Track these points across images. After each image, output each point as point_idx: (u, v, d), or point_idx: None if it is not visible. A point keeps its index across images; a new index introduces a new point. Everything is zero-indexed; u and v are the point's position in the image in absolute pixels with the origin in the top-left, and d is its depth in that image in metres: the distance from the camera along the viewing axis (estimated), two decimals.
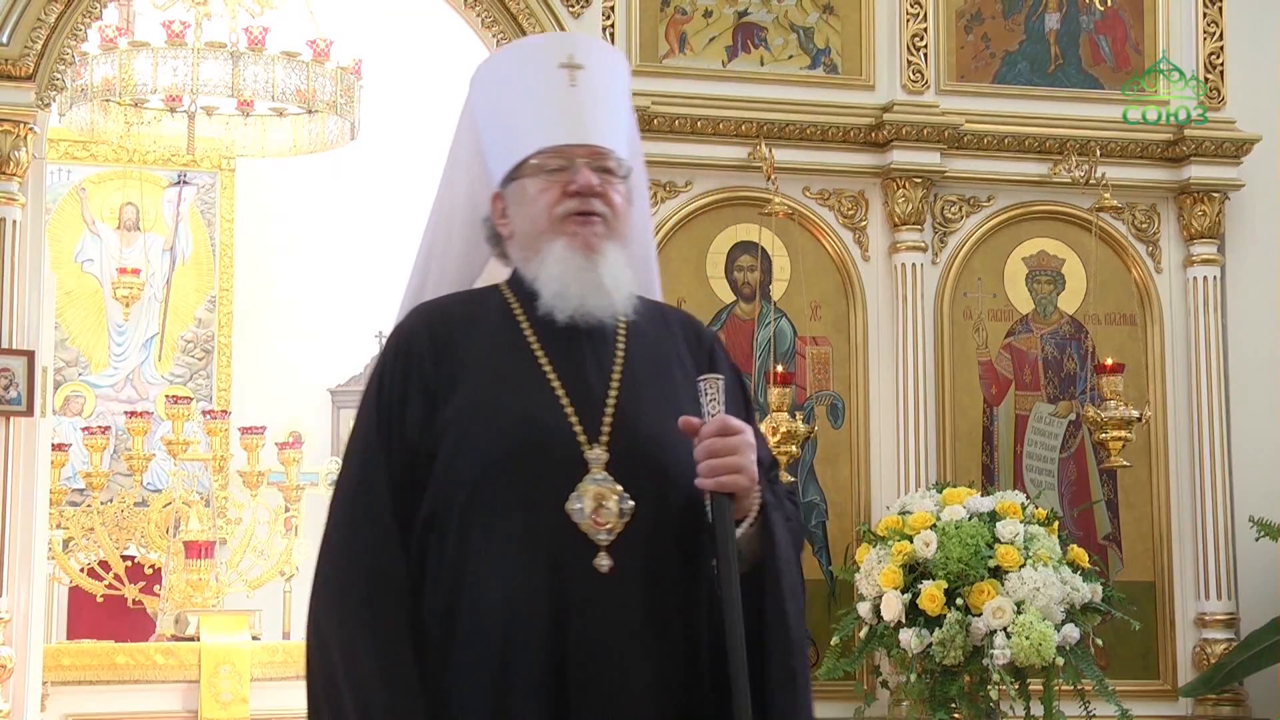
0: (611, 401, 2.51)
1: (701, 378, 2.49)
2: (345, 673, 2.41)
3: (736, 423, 2.46)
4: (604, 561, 2.42)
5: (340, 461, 2.60)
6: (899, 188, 5.46)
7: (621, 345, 2.58)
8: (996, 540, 4.83)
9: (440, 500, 2.46)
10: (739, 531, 2.45)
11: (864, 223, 5.52)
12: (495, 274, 2.72)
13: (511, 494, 2.44)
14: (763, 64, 5.50)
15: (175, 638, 6.71)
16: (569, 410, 2.49)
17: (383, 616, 2.43)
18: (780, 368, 5.26)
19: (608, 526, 2.43)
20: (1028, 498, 5.09)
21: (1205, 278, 5.64)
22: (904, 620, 4.78)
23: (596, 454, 2.46)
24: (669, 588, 2.46)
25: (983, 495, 5.03)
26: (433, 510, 2.47)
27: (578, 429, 2.48)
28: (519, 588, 2.41)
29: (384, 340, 2.65)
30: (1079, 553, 4.95)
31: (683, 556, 2.49)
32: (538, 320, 2.55)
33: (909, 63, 5.52)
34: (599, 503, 2.44)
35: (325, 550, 2.51)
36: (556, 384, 2.51)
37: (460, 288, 2.72)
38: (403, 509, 2.48)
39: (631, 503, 2.44)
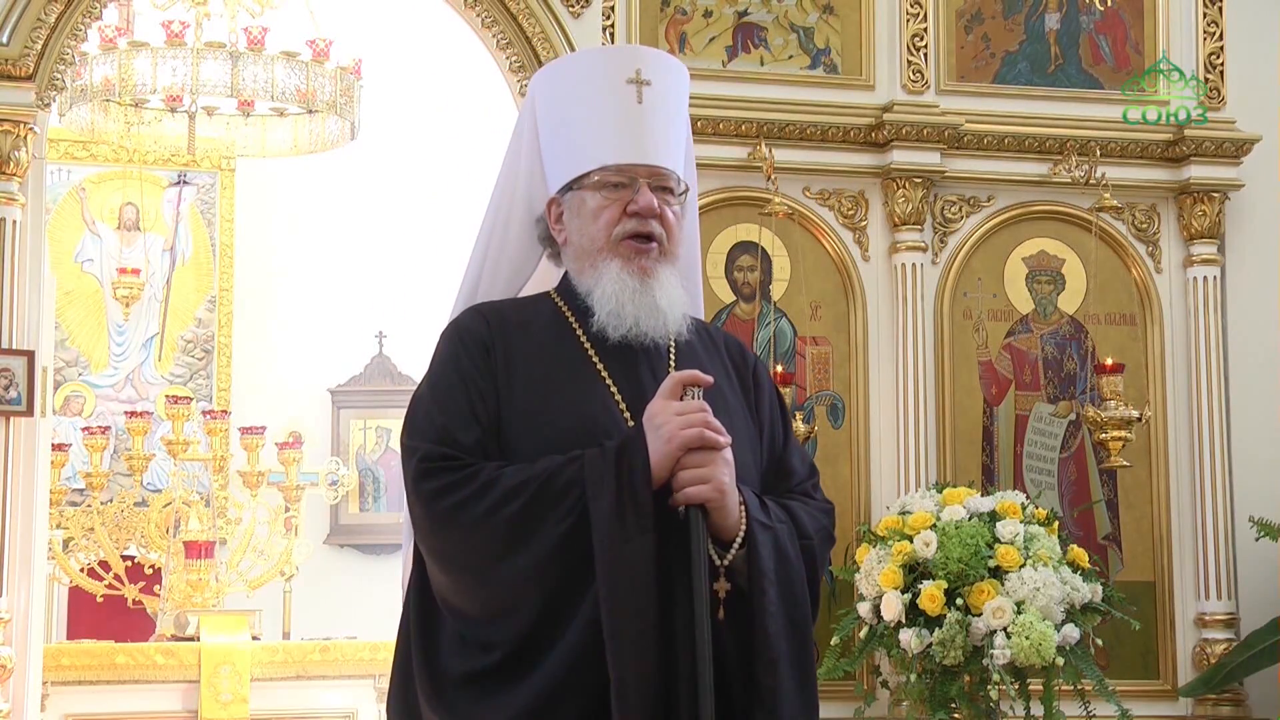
0: None
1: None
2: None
3: (712, 436, 2.46)
4: None
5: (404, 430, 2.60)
6: (899, 188, 5.46)
7: (674, 361, 2.65)
8: (996, 540, 4.83)
9: None
10: (730, 553, 2.48)
11: (864, 223, 5.52)
12: (546, 271, 2.78)
13: None
14: (763, 64, 5.50)
15: (175, 638, 6.71)
16: (628, 418, 2.55)
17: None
18: (780, 368, 5.26)
19: None
20: (1028, 498, 5.08)
21: (1205, 278, 5.63)
22: (904, 620, 4.78)
23: None
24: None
25: (983, 495, 5.03)
26: None
27: None
28: None
29: (440, 336, 2.68)
30: (1079, 553, 4.95)
31: None
32: (593, 334, 2.61)
33: (909, 63, 5.52)
34: None
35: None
36: (617, 394, 2.58)
37: (514, 283, 2.78)
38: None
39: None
